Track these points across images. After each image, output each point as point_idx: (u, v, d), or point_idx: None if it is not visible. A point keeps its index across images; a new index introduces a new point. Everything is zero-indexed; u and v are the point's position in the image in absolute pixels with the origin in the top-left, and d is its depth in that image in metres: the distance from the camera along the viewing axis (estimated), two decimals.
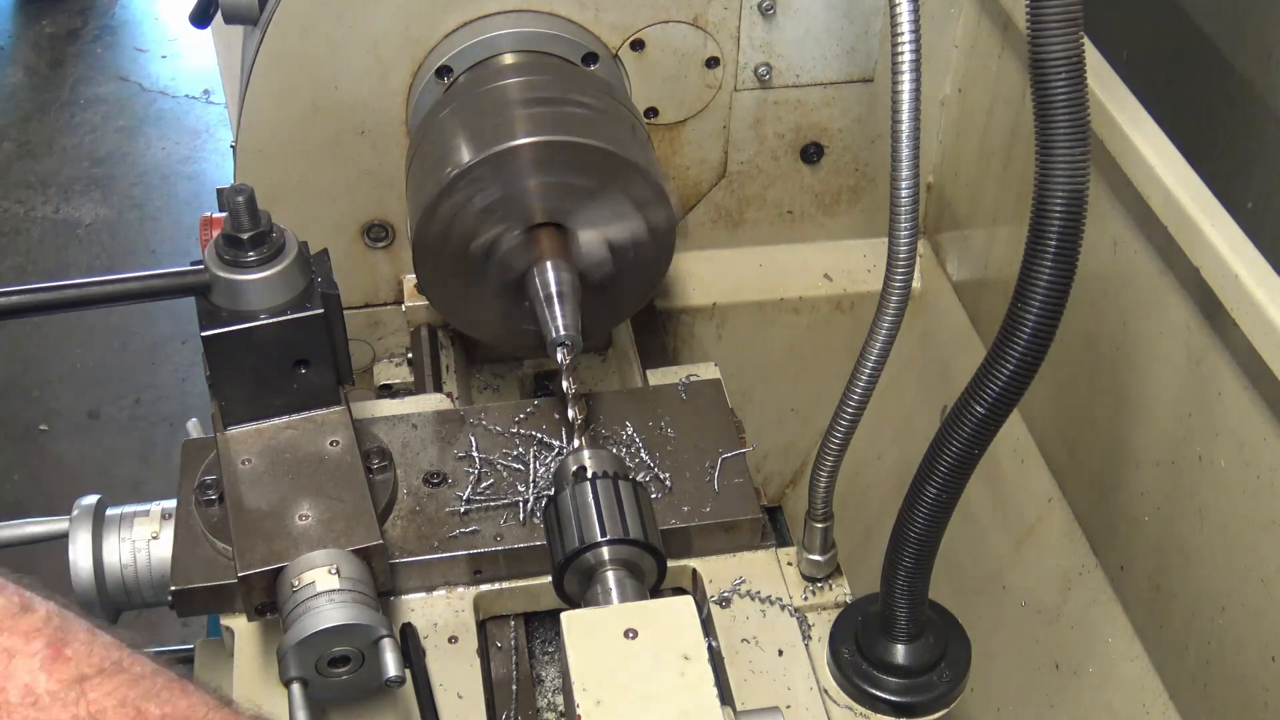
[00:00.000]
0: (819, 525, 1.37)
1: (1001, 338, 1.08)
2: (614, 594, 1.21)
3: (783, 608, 1.38)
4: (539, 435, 1.51)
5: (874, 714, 1.29)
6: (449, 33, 1.69)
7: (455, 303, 1.59)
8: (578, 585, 1.25)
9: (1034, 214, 1.05)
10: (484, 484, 1.46)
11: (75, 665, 0.90)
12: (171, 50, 4.74)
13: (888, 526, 1.23)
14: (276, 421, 1.36)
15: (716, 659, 1.32)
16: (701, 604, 1.39)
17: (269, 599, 1.24)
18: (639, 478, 1.45)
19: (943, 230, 1.96)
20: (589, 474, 1.29)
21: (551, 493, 1.33)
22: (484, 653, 1.37)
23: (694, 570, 1.43)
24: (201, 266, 1.31)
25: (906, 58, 1.15)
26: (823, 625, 1.36)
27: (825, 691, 1.31)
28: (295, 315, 1.31)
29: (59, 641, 0.91)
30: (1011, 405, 1.10)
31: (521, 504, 1.43)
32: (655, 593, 1.27)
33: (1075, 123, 1.02)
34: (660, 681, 1.05)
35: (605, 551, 1.22)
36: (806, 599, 1.39)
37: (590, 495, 1.26)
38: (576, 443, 1.38)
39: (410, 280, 1.83)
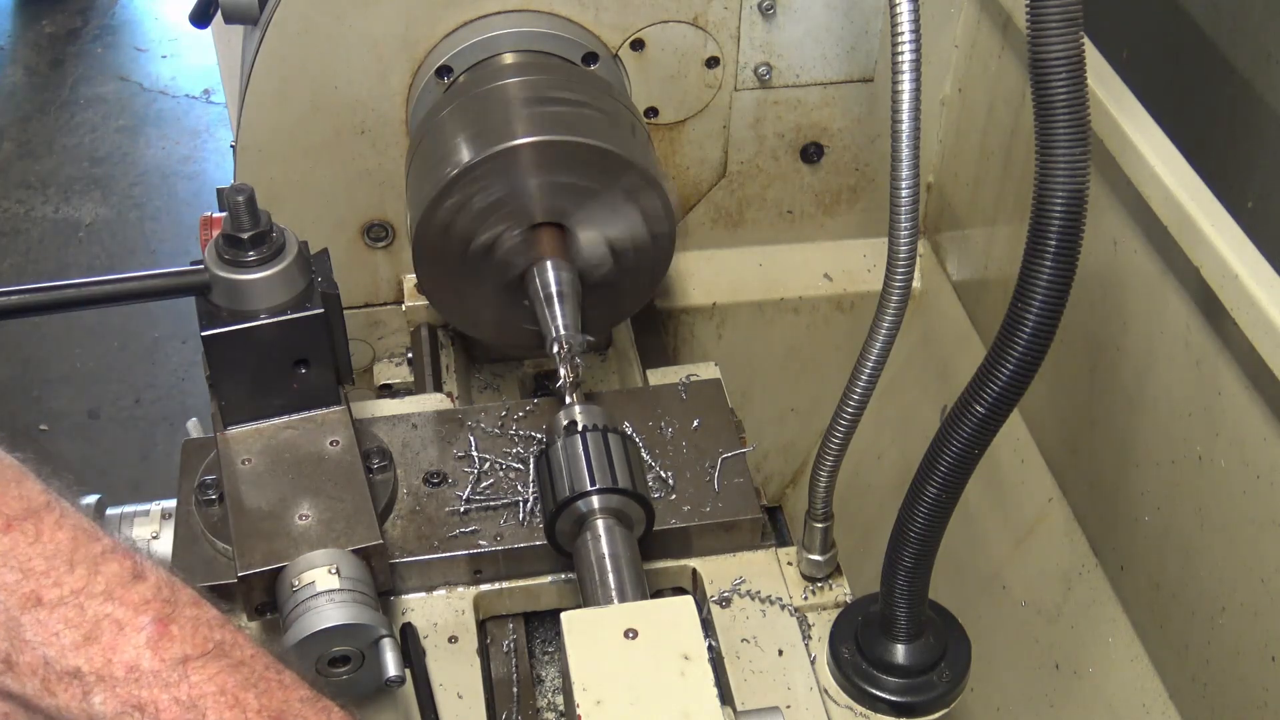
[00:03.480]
0: (819, 525, 1.37)
1: (1001, 338, 1.08)
2: (603, 540, 1.26)
3: (783, 608, 1.38)
4: (539, 435, 1.51)
5: (874, 714, 1.29)
6: (449, 33, 1.69)
7: (455, 303, 1.59)
8: (568, 534, 1.29)
9: (1034, 214, 1.05)
10: (484, 484, 1.46)
11: (180, 645, 0.91)
12: (171, 50, 4.73)
13: (888, 526, 1.23)
14: (276, 421, 1.36)
15: (716, 659, 1.32)
16: (701, 604, 1.39)
17: (269, 599, 1.24)
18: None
19: (943, 230, 1.96)
20: (579, 427, 1.33)
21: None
22: (484, 653, 1.37)
23: (694, 570, 1.43)
24: (201, 266, 1.31)
25: (906, 58, 1.15)
26: (823, 625, 1.36)
27: (825, 691, 1.31)
28: (295, 315, 1.31)
29: (166, 617, 0.92)
30: (1011, 405, 1.10)
31: (521, 504, 1.43)
32: (655, 593, 1.27)
33: (1075, 123, 1.02)
34: (660, 681, 1.05)
35: (595, 500, 1.27)
36: (806, 599, 1.39)
37: (580, 447, 1.30)
38: (569, 399, 1.39)
39: (410, 280, 1.83)
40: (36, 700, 0.90)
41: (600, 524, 1.27)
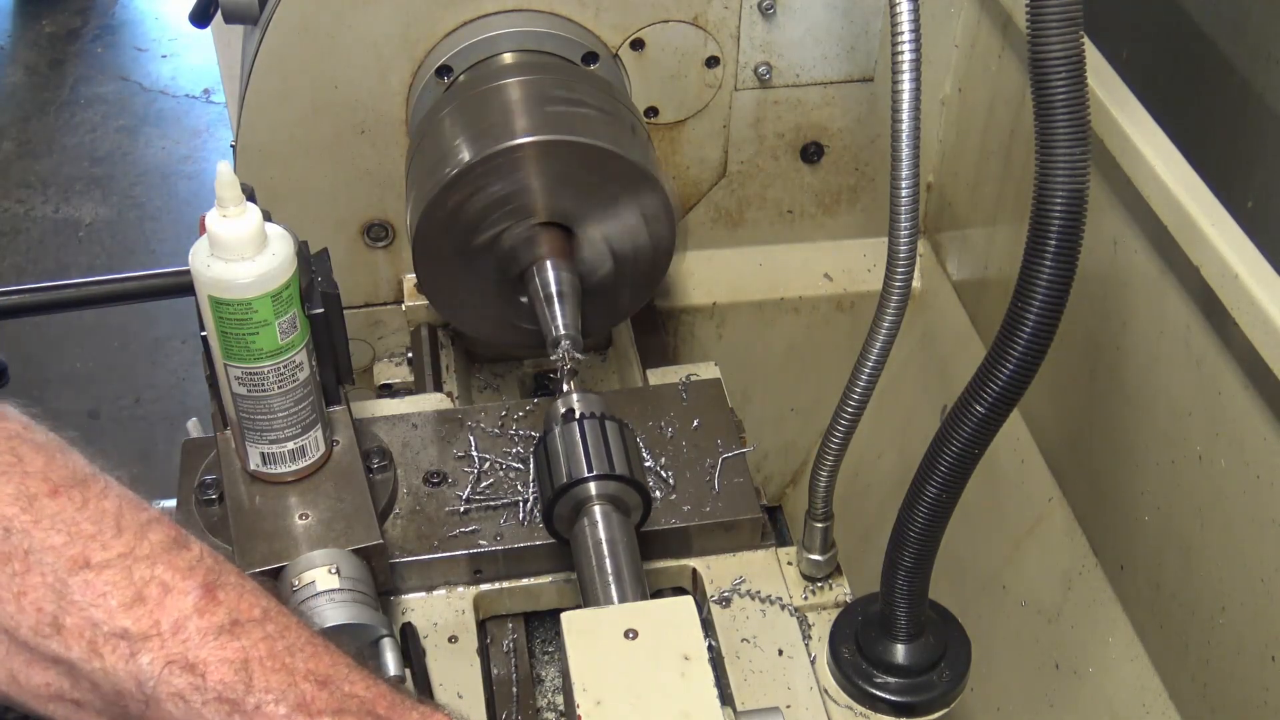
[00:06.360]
0: (819, 525, 1.37)
1: (1001, 338, 1.08)
2: (600, 526, 1.26)
3: (783, 607, 1.38)
4: (539, 435, 1.50)
5: (874, 714, 1.29)
6: (449, 32, 1.69)
7: (455, 302, 1.59)
8: (566, 520, 1.30)
9: (1034, 214, 1.05)
10: (484, 484, 1.46)
11: (227, 609, 0.91)
12: (171, 50, 4.73)
13: (888, 526, 1.23)
14: None
15: (716, 659, 1.32)
16: (701, 604, 1.39)
17: None
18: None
19: (943, 230, 1.96)
20: (577, 414, 1.33)
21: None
22: (484, 653, 1.37)
23: (694, 570, 1.43)
24: None
25: (906, 58, 1.15)
26: (823, 625, 1.36)
27: (825, 691, 1.31)
28: None
29: (212, 583, 0.91)
30: (1011, 405, 1.10)
31: (521, 504, 1.43)
32: (655, 593, 1.27)
33: (1075, 123, 1.02)
34: (660, 681, 1.05)
35: (592, 487, 1.28)
36: (806, 599, 1.39)
37: (578, 434, 1.31)
38: (565, 387, 1.40)
39: (410, 280, 1.83)
40: (83, 664, 0.89)
41: (597, 510, 1.28)
